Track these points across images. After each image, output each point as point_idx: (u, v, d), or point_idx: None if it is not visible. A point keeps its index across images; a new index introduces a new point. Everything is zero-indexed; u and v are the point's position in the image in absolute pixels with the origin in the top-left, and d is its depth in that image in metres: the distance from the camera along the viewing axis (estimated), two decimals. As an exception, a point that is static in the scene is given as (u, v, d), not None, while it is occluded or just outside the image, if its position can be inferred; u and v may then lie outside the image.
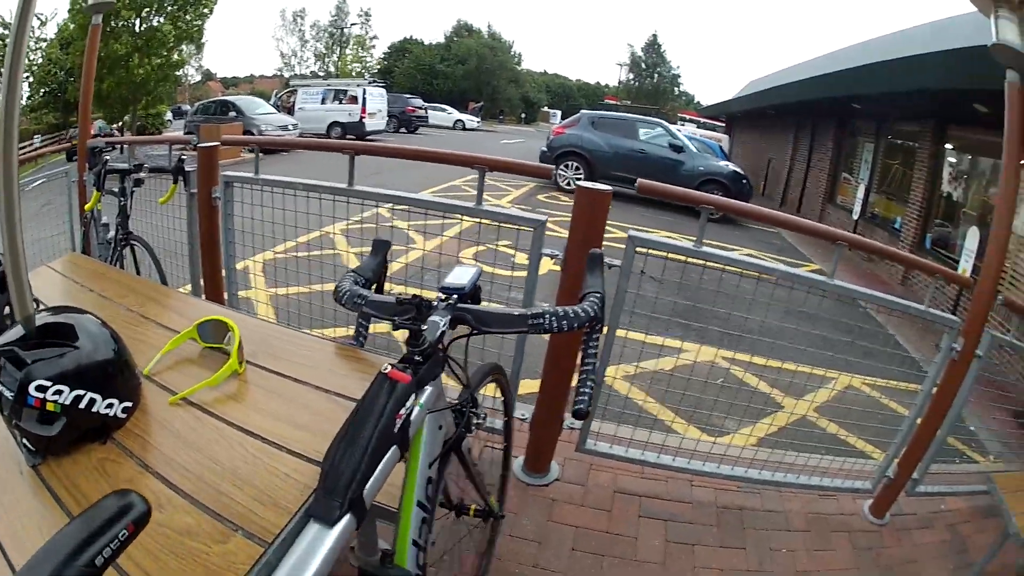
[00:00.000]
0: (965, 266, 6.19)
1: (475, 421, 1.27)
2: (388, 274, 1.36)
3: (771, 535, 2.57)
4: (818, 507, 2.80)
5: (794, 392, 3.73)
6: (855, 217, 10.74)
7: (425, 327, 0.98)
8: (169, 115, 22.42)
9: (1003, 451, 3.71)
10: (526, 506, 2.43)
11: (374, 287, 1.26)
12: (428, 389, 1.01)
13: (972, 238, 6.38)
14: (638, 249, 2.27)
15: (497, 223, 2.35)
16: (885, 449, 2.83)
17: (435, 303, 1.04)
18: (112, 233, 3.24)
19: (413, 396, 0.91)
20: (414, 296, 1.00)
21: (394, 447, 0.87)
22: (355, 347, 1.50)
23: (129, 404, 1.09)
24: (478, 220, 2.39)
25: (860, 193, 10.86)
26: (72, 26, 18.65)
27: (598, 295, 1.08)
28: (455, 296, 1.06)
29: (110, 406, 1.04)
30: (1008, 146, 2.20)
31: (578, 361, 1.05)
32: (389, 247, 1.35)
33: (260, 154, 2.75)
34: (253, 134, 14.26)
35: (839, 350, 2.66)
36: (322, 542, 0.73)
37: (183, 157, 2.85)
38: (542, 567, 2.13)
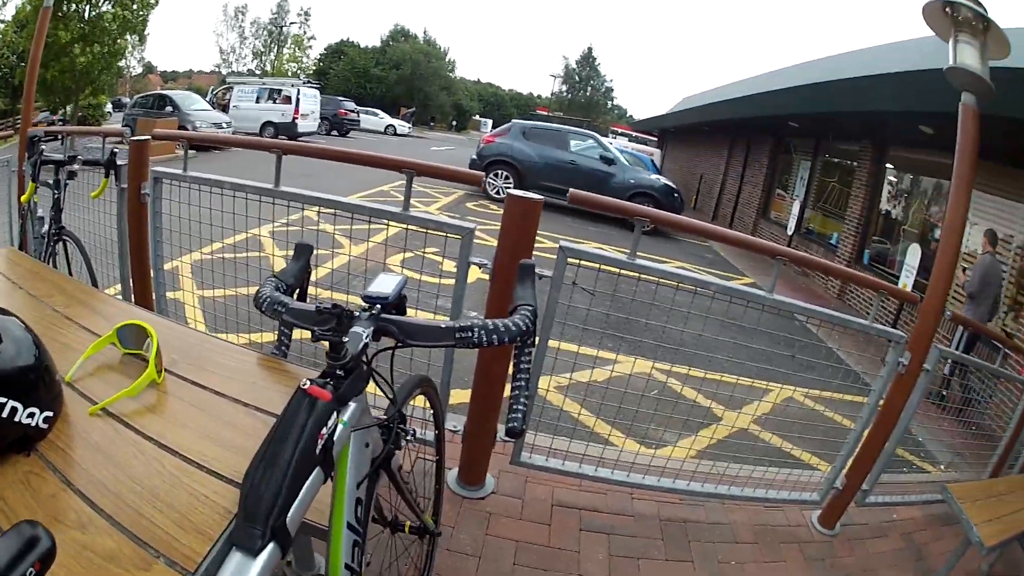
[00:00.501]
0: (906, 281, 6.39)
1: (404, 437, 1.18)
2: (314, 279, 1.28)
3: (718, 547, 2.50)
4: (764, 519, 2.75)
5: (733, 405, 3.72)
6: (790, 232, 11.06)
7: (347, 339, 0.90)
8: (109, 107, 21.58)
9: (953, 458, 3.77)
10: (463, 520, 2.28)
11: (296, 293, 1.21)
12: (352, 406, 0.95)
13: (913, 255, 6.59)
14: (570, 260, 2.21)
15: (425, 229, 2.27)
16: (830, 461, 2.81)
17: (357, 313, 0.96)
18: (46, 227, 3.08)
19: (335, 414, 0.86)
20: (334, 305, 0.92)
21: (317, 469, 0.83)
22: (278, 358, 1.42)
23: (51, 414, 1.01)
24: (405, 226, 2.30)
25: (795, 209, 11.21)
26: (28, 8, 17.91)
27: (530, 308, 1.03)
28: (378, 306, 0.98)
29: (31, 416, 0.96)
30: (959, 167, 2.21)
31: (510, 375, 1.01)
32: (312, 251, 1.30)
33: (194, 152, 2.66)
34: (188, 130, 13.75)
35: (777, 363, 2.63)
36: (246, 573, 0.71)
37: (115, 150, 2.77)
38: (481, 584, 1.99)
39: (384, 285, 1.03)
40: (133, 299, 2.68)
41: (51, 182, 2.97)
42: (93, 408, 1.11)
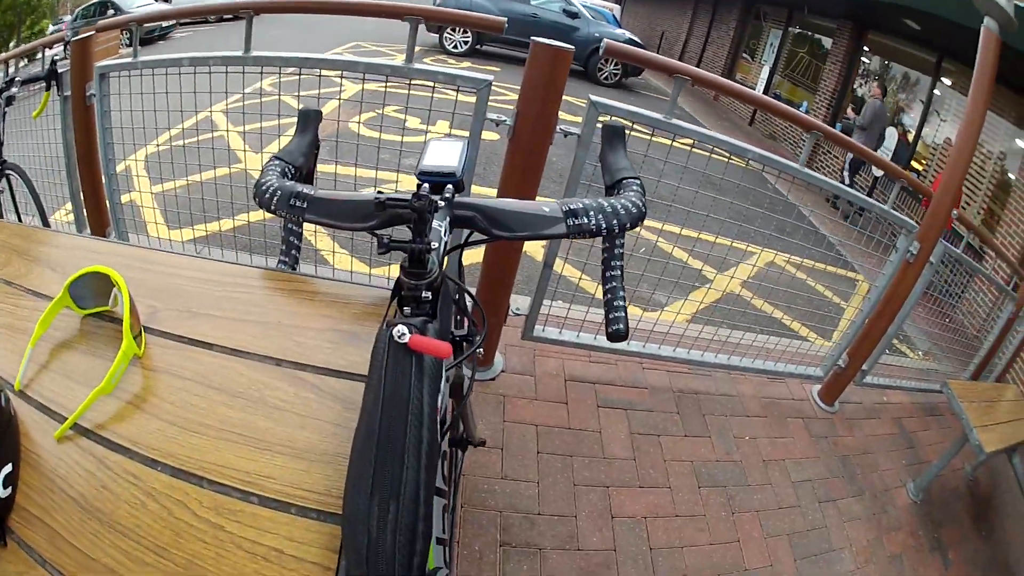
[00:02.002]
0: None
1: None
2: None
3: (731, 422, 2.41)
4: (769, 391, 2.68)
5: (721, 267, 3.53)
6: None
7: (434, 244, 0.61)
8: (51, 28, 18.75)
9: (931, 347, 3.86)
10: (477, 406, 2.03)
11: (306, 177, 0.88)
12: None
13: (890, 138, 6.99)
14: (600, 118, 1.92)
15: (432, 83, 1.90)
16: (818, 332, 2.84)
17: (438, 200, 0.69)
18: None
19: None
20: (416, 194, 0.59)
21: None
22: (287, 272, 0.95)
23: (10, 468, 0.57)
24: (408, 81, 1.89)
25: (764, 74, 10.95)
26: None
27: (637, 181, 0.79)
28: (450, 187, 0.71)
29: None
30: (977, 87, 2.27)
31: (602, 271, 0.81)
32: (320, 119, 0.91)
33: (138, 45, 2.23)
34: (132, 31, 11.90)
35: (757, 225, 2.40)
36: None
37: (56, 59, 2.54)
38: (511, 478, 1.78)
39: (444, 155, 0.74)
40: (86, 215, 2.43)
41: None
42: (59, 431, 0.63)
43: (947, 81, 6.67)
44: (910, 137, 7.19)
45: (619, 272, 0.79)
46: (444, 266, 0.67)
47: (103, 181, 2.44)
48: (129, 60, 2.20)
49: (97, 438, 0.62)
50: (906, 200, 6.11)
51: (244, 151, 2.34)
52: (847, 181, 6.96)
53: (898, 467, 2.62)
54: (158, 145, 2.35)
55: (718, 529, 2.00)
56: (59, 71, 2.41)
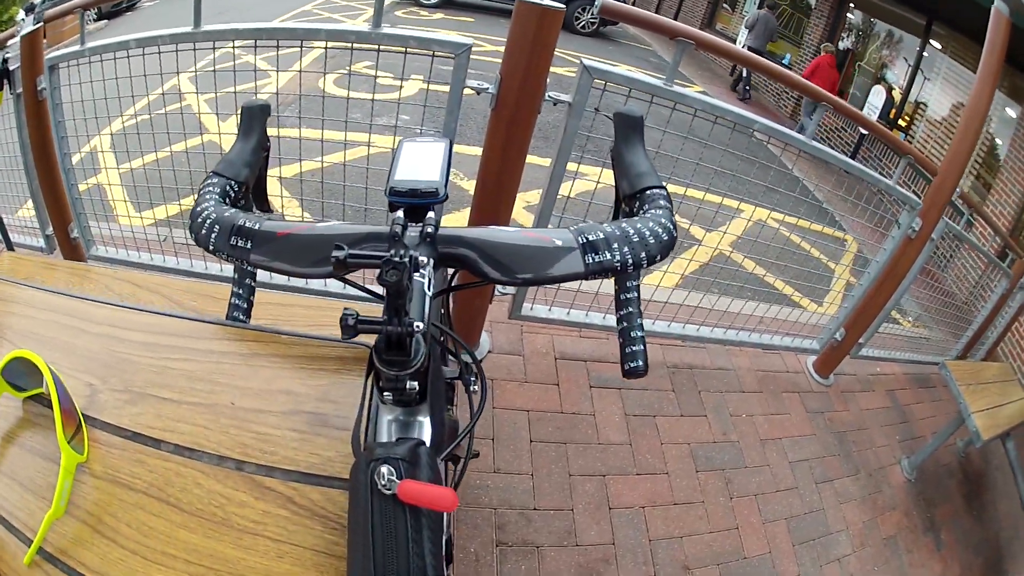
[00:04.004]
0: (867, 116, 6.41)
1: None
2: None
3: (727, 399, 2.32)
4: (765, 363, 2.59)
5: (709, 225, 3.39)
6: (739, 45, 10.55)
7: (419, 325, 0.45)
8: (21, 14, 16.65)
9: (921, 314, 3.81)
10: (464, 395, 1.87)
11: (254, 191, 0.70)
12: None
13: (877, 96, 6.94)
14: (595, 82, 1.75)
15: (403, 49, 1.64)
16: (808, 294, 2.78)
17: (396, 227, 0.51)
18: None
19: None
20: (388, 260, 0.42)
21: None
22: (238, 325, 0.76)
23: None
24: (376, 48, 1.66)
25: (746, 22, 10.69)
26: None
27: (664, 193, 0.62)
28: (431, 218, 0.54)
29: None
30: (985, 65, 2.25)
31: (615, 293, 0.64)
32: (269, 114, 0.71)
33: (104, 21, 2.04)
34: (81, 16, 11.07)
35: (743, 181, 2.26)
36: None
37: (7, 56, 2.28)
38: (504, 471, 1.66)
39: (423, 164, 0.59)
40: (47, 212, 2.32)
41: None
42: (27, 556, 0.53)
43: (937, 44, 6.54)
44: (896, 95, 7.09)
45: (636, 295, 0.64)
46: (428, 328, 0.50)
47: (62, 176, 2.28)
48: (77, 48, 2.06)
49: (64, 567, 0.53)
50: (889, 156, 6.05)
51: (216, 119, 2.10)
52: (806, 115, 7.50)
53: (892, 443, 2.58)
54: (123, 121, 2.13)
55: (717, 515, 1.92)
56: (10, 68, 2.24)
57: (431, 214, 0.54)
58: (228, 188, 0.62)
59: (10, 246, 2.34)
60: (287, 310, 0.81)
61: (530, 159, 1.71)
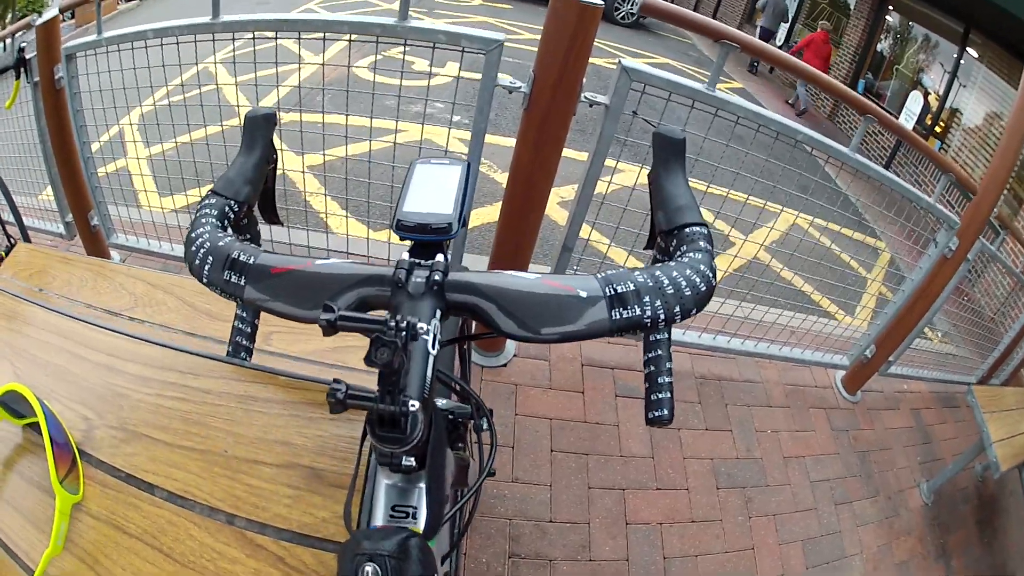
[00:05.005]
0: (904, 123, 6.27)
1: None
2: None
3: (753, 413, 2.28)
4: (793, 377, 2.54)
5: (744, 229, 3.31)
6: (778, 43, 10.33)
7: (414, 405, 0.41)
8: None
9: (949, 329, 3.73)
10: (487, 397, 1.85)
11: (257, 207, 0.66)
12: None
13: (915, 102, 6.80)
14: (634, 85, 1.66)
15: (431, 44, 1.55)
16: (840, 305, 2.75)
17: (417, 325, 0.43)
18: None
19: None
20: (379, 336, 0.39)
21: None
22: (237, 362, 0.74)
23: None
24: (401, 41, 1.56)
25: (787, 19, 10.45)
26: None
27: (705, 232, 0.56)
28: (441, 261, 0.49)
29: None
30: None
31: (644, 341, 0.60)
32: (275, 123, 0.65)
33: (135, 2, 1.91)
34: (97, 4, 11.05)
35: (776, 181, 2.15)
36: None
37: (23, 45, 2.29)
38: (523, 481, 1.63)
39: (435, 193, 0.55)
40: (67, 200, 2.33)
41: None
42: None
43: (973, 53, 6.34)
44: (932, 101, 6.91)
45: (666, 337, 0.59)
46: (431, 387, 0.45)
47: (81, 165, 2.27)
48: (93, 38, 2.05)
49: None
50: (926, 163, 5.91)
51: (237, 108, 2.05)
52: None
53: (912, 464, 2.53)
54: (142, 110, 2.15)
55: (733, 535, 1.89)
56: (27, 57, 2.24)
57: (440, 257, 0.50)
58: (227, 209, 0.58)
59: (26, 237, 2.34)
60: (294, 336, 0.80)
61: (565, 152, 1.65)
